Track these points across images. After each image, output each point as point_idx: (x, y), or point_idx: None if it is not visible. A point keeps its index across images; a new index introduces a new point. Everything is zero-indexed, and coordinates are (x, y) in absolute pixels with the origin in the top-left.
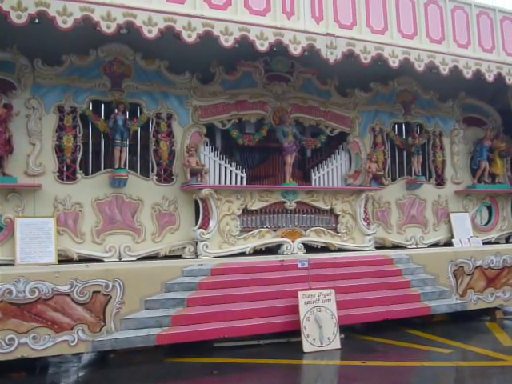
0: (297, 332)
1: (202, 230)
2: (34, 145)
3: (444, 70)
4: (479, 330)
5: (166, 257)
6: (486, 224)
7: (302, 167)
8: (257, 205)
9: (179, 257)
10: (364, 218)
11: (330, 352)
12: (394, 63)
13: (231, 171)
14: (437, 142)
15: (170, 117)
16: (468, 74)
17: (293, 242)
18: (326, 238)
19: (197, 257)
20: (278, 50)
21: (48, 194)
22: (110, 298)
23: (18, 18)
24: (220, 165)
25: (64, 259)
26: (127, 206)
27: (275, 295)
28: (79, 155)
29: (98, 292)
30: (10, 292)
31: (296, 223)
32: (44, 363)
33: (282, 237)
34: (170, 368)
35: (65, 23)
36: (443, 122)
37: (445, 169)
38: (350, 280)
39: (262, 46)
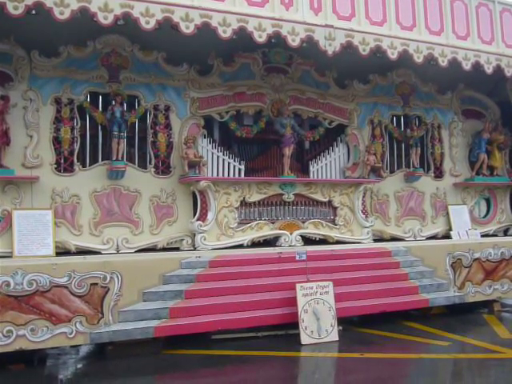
0: (295, 324)
1: (199, 222)
2: (31, 137)
3: (443, 62)
4: (477, 322)
5: (163, 249)
6: (485, 216)
7: (301, 159)
8: (255, 197)
9: (177, 249)
10: (362, 211)
11: (328, 344)
12: (393, 55)
13: (229, 163)
14: (435, 135)
15: (167, 109)
16: (467, 65)
17: (291, 234)
18: (324, 231)
19: (195, 249)
20: (277, 41)
21: (45, 186)
22: (108, 290)
23: (15, 9)
24: (218, 157)
25: (62, 251)
26: (125, 198)
27: (273, 287)
28: (77, 147)
29: (96, 284)
30: (8, 284)
31: (294, 215)
32: (42, 355)
33: (280, 229)
34: (168, 360)
35: (62, 14)
36: (442, 114)
37: (443, 161)
38: (348, 272)
39: (260, 38)
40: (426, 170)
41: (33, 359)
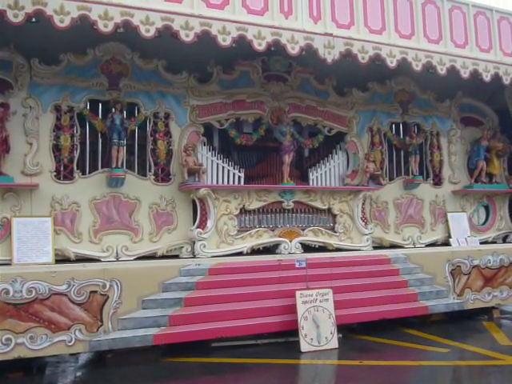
0: (294, 332)
1: (199, 229)
2: (30, 144)
3: (441, 70)
4: (476, 329)
5: (163, 256)
6: (484, 224)
7: (300, 167)
8: (254, 204)
9: (177, 256)
10: (362, 218)
11: (328, 351)
12: (392, 63)
13: (229, 171)
14: (434, 142)
15: (167, 116)
16: (465, 73)
17: (290, 241)
18: (324, 238)
19: (194, 256)
20: (276, 49)
21: (45, 193)
22: (108, 297)
23: (15, 17)
24: (218, 164)
25: (61, 259)
26: (124, 206)
27: (273, 295)
28: (76, 155)
29: (95, 292)
30: (7, 292)
31: (294, 223)
32: (41, 363)
33: (280, 236)
34: (168, 368)
35: (62, 22)
36: (440, 121)
37: (442, 168)
38: (348, 280)
39: (260, 46)
40: (425, 177)
41: (32, 367)
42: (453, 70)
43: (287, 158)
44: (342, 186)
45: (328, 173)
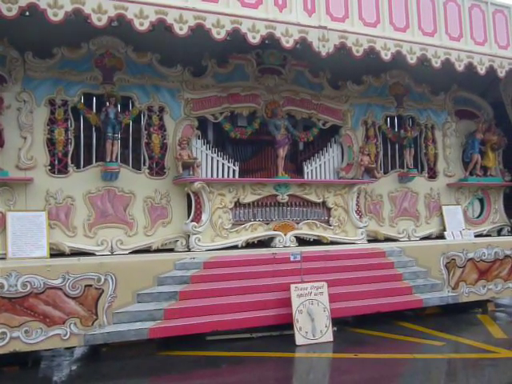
0: (289, 325)
1: (194, 223)
2: (25, 138)
3: (436, 63)
4: (471, 322)
5: (158, 250)
6: (478, 217)
7: (295, 160)
8: (249, 198)
9: (171, 250)
10: (356, 211)
11: (323, 345)
12: (386, 56)
13: (223, 164)
14: (429, 135)
15: (161, 110)
16: (460, 66)
17: (285, 235)
18: (319, 231)
19: (189, 250)
20: (270, 42)
21: (39, 187)
22: (102, 291)
23: (9, 11)
24: (212, 158)
25: (56, 253)
26: (119, 200)
27: (268, 288)
28: (71, 148)
29: (90, 286)
30: (2, 286)
31: (288, 216)
32: (36, 357)
33: (275, 230)
34: (163, 361)
35: (56, 16)
36: (435, 114)
37: (437, 162)
38: (343, 273)
39: (254, 39)
40: (420, 170)
41: (27, 361)
42: (448, 63)
43: (282, 152)
44: (337, 179)
45: (323, 166)
